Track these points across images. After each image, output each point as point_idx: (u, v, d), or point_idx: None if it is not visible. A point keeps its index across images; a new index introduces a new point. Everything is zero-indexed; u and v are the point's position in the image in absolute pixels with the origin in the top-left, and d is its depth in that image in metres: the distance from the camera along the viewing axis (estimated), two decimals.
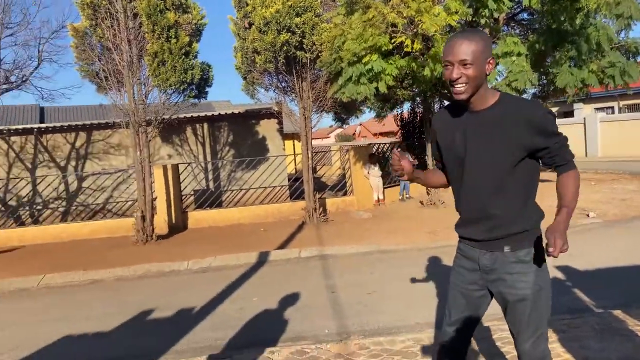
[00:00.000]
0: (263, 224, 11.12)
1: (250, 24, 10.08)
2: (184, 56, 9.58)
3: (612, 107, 25.66)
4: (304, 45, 9.74)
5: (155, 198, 10.75)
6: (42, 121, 22.27)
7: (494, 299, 2.14)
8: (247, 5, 10.13)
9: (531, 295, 1.98)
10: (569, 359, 3.18)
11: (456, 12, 8.21)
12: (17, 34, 10.63)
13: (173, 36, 9.44)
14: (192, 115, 13.42)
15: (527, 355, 2.06)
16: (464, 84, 1.93)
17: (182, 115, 12.49)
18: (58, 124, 13.71)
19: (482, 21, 8.82)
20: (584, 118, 23.99)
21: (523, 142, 1.92)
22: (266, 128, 14.27)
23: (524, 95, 12.86)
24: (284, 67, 10.04)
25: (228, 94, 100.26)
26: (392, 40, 8.67)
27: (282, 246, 8.52)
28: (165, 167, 11.20)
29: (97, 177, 13.22)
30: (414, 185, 13.56)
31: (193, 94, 10.30)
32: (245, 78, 11.12)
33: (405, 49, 8.66)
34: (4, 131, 12.33)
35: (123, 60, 9.42)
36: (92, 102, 23.16)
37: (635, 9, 8.33)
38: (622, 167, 17.32)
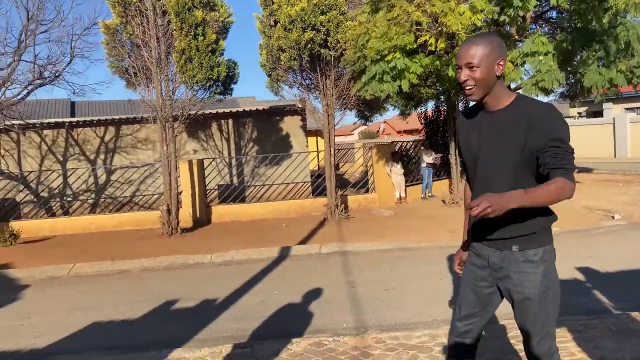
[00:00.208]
0: (285, 219, 11.27)
1: (276, 22, 10.22)
2: (210, 53, 9.77)
3: None
4: (329, 43, 9.83)
5: (181, 192, 11.00)
6: (72, 115, 22.89)
7: (504, 299, 2.20)
8: (273, 3, 10.27)
9: (537, 294, 2.03)
10: (583, 358, 3.21)
11: (482, 11, 8.18)
12: (51, 31, 10.96)
13: (200, 34, 9.64)
14: (217, 111, 13.65)
15: (534, 351, 2.12)
16: (472, 86, 2.02)
17: (207, 111, 12.71)
18: (88, 119, 14.12)
19: (508, 20, 8.77)
20: (614, 118, 23.48)
21: (530, 143, 1.95)
22: (290, 125, 14.42)
23: (552, 95, 12.74)
24: (308, 65, 10.15)
25: (253, 90, 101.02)
26: (417, 40, 8.69)
27: (304, 242, 8.65)
28: (190, 162, 11.43)
29: (125, 171, 13.57)
30: (436, 184, 13.54)
31: (219, 91, 10.51)
32: (270, 75, 11.26)
33: (429, 48, 8.66)
34: (37, 125, 12.75)
35: (152, 57, 9.66)
36: (121, 98, 23.68)
37: None
38: None
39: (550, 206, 2.06)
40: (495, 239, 2.10)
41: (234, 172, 14.26)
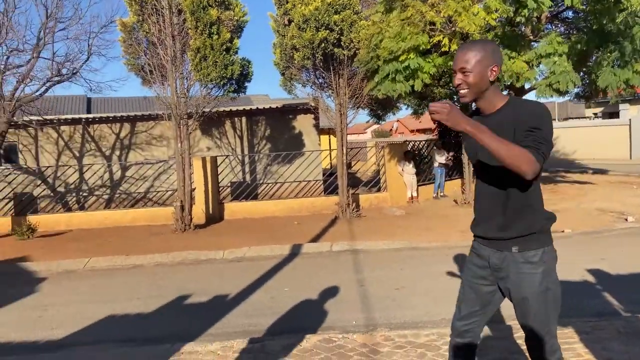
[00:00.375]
0: (297, 217, 11.34)
1: (290, 21, 10.28)
2: (224, 52, 9.87)
3: None
4: (342, 43, 9.87)
5: (194, 189, 11.13)
6: (89, 112, 23.19)
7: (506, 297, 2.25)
8: (287, 2, 10.33)
9: (538, 295, 2.07)
10: (589, 359, 3.23)
11: (496, 11, 8.18)
12: (69, 29, 11.15)
13: (215, 32, 9.74)
14: (231, 109, 13.76)
15: (535, 350, 2.17)
16: (465, 90, 2.10)
17: (221, 109, 12.83)
18: (104, 115, 14.32)
19: (522, 20, 8.74)
20: (630, 119, 23.18)
21: (517, 138, 1.99)
22: (303, 123, 14.49)
23: (567, 95, 12.64)
24: (321, 64, 10.21)
25: (267, 88, 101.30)
26: (430, 40, 8.70)
27: (315, 239, 8.71)
28: (204, 159, 11.56)
29: (140, 167, 13.75)
30: (448, 184, 13.52)
31: (232, 89, 10.61)
32: (283, 74, 11.33)
33: (443, 48, 8.67)
34: (55, 121, 12.97)
35: (167, 55, 9.78)
36: (136, 95, 23.90)
37: None
38: None
39: (550, 208, 2.12)
40: (496, 240, 2.15)
41: (247, 169, 14.38)
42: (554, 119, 37.01)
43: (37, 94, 10.99)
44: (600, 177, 15.90)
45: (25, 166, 13.66)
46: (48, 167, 13.60)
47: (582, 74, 11.24)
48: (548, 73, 9.35)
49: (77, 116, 14.37)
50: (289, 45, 10.28)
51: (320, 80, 11.11)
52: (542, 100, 10.27)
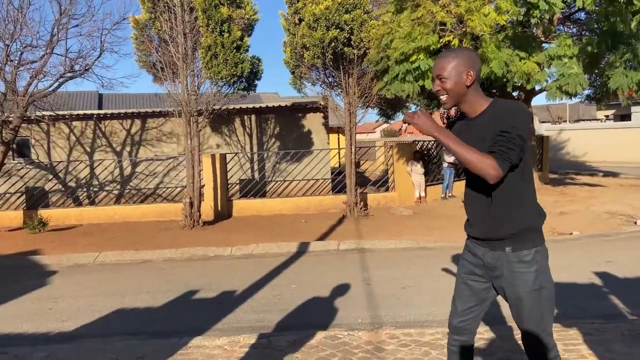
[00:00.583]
0: (304, 215, 11.40)
1: (300, 20, 10.32)
2: (235, 50, 9.94)
3: None
4: (352, 42, 9.89)
5: (203, 185, 11.21)
6: (100, 107, 23.42)
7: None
8: (298, 1, 10.37)
9: (532, 293, 2.12)
10: None
11: (507, 12, 8.17)
12: (82, 25, 11.25)
13: (226, 30, 9.80)
14: (240, 107, 13.83)
15: (531, 348, 2.21)
16: (444, 95, 2.20)
17: (231, 107, 12.91)
18: (116, 111, 14.46)
19: (533, 21, 8.72)
20: None
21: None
22: (312, 121, 14.53)
23: (577, 97, 12.58)
24: (331, 63, 10.24)
25: (276, 86, 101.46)
26: (440, 40, 8.70)
27: (322, 238, 8.76)
28: (213, 156, 11.64)
29: (150, 163, 13.87)
30: (457, 184, 13.50)
31: (242, 87, 10.67)
32: (293, 72, 11.38)
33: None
34: (67, 116, 13.12)
35: (178, 53, 9.87)
36: (147, 91, 24.09)
37: None
38: None
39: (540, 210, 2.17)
40: (488, 239, 2.20)
41: (256, 167, 14.45)
42: (565, 121, 36.76)
43: (50, 89, 11.12)
44: (610, 180, 15.80)
45: (37, 161, 13.84)
46: (59, 162, 13.75)
47: (593, 75, 11.18)
48: (558, 75, 9.33)
49: (88, 112, 14.52)
50: (299, 44, 10.33)
51: (330, 79, 11.14)
52: (552, 102, 10.25)
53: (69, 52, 11.37)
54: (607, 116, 33.15)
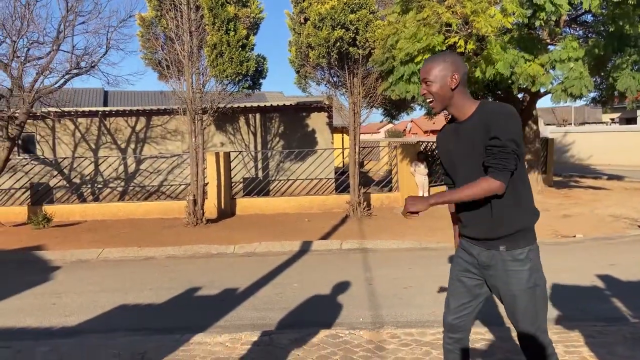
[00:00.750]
0: (307, 214, 11.41)
1: (306, 20, 10.33)
2: (240, 49, 9.96)
3: None
4: (357, 42, 9.90)
5: (207, 183, 11.24)
6: (105, 104, 23.48)
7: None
8: (304, 1, 10.38)
9: (526, 291, 2.15)
10: None
11: (512, 14, 8.14)
12: (88, 22, 11.31)
13: (232, 29, 9.83)
14: (245, 105, 13.86)
15: (527, 346, 2.23)
16: (430, 99, 2.26)
17: (236, 105, 12.93)
18: (121, 108, 14.51)
19: (540, 23, 8.70)
20: None
21: (483, 145, 2.11)
22: (316, 121, 14.54)
23: (583, 100, 12.53)
24: (336, 63, 10.25)
25: (281, 85, 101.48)
26: (446, 41, 8.69)
27: (325, 237, 8.77)
28: (217, 155, 11.67)
29: (154, 161, 13.91)
30: None
31: (247, 85, 10.70)
32: (298, 72, 11.39)
33: (459, 49, 8.65)
34: (72, 113, 13.17)
35: (184, 51, 9.90)
36: (152, 89, 24.18)
37: None
38: None
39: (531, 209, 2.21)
40: (484, 239, 2.23)
41: (260, 165, 14.47)
42: (570, 123, 36.64)
43: (56, 86, 11.18)
44: (616, 183, 15.74)
45: (42, 157, 13.90)
46: (64, 158, 13.81)
47: (599, 78, 11.13)
48: (563, 78, 9.29)
49: (94, 109, 14.57)
50: (305, 43, 10.34)
51: (334, 79, 11.15)
52: (557, 104, 10.21)
53: (75, 48, 11.43)
54: (612, 119, 33.04)
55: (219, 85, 10.53)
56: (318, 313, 4.82)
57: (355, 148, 10.98)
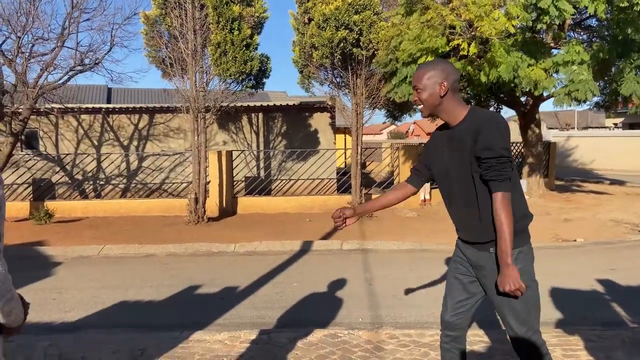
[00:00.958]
0: (309, 214, 11.42)
1: (310, 20, 10.35)
2: (244, 48, 9.98)
3: None
4: (361, 43, 9.91)
5: (209, 182, 11.26)
6: (108, 101, 23.52)
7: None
8: (308, 1, 10.40)
9: None
10: None
11: (517, 17, 8.15)
12: (93, 19, 11.33)
13: (236, 28, 9.85)
14: (248, 105, 13.87)
15: (521, 347, 2.25)
16: (420, 105, 2.33)
17: (239, 104, 12.94)
18: (124, 106, 14.53)
19: (543, 27, 8.70)
20: None
21: (473, 152, 2.15)
22: (319, 121, 14.55)
23: (586, 104, 12.53)
24: (339, 63, 10.26)
25: (284, 85, 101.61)
26: (449, 43, 8.69)
27: (325, 237, 8.78)
28: (219, 153, 11.68)
29: (156, 158, 13.94)
30: None
31: (251, 84, 10.72)
32: (301, 72, 11.41)
33: (462, 52, 8.66)
34: (75, 109, 13.20)
35: (188, 49, 9.91)
36: (156, 87, 24.19)
37: None
38: None
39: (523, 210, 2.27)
40: (474, 242, 2.29)
41: (262, 165, 14.49)
42: (573, 128, 36.58)
43: (60, 82, 11.20)
44: (617, 188, 15.72)
45: (45, 153, 13.94)
46: (67, 154, 13.84)
47: (603, 82, 11.13)
48: (567, 82, 9.29)
49: (97, 105, 14.60)
50: (308, 43, 10.36)
51: (337, 80, 11.16)
52: (561, 108, 10.21)
53: (79, 45, 11.42)
54: (615, 124, 32.98)
55: (222, 84, 10.55)
56: (317, 312, 4.83)
57: (357, 149, 10.99)
